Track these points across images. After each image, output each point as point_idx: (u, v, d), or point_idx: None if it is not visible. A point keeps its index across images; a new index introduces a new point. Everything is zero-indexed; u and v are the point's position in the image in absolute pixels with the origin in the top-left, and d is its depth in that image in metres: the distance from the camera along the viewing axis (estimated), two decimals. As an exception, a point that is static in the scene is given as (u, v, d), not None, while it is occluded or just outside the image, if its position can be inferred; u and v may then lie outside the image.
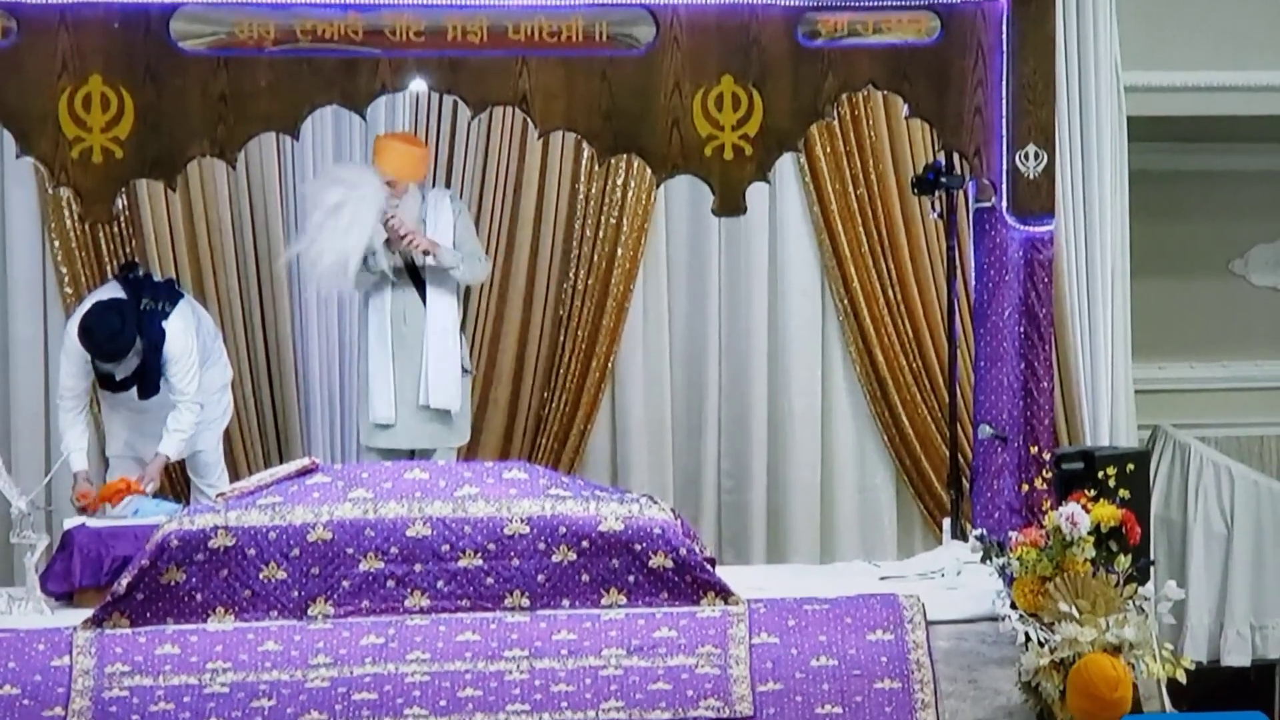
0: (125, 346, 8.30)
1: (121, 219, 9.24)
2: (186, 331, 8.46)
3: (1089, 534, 7.34)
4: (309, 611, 7.38)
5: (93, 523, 7.93)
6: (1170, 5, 10.31)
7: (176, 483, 9.15)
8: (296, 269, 9.40)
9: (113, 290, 8.54)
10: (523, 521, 7.45)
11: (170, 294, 8.59)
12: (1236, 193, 11.25)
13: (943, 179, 8.48)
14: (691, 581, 7.47)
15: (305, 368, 9.50)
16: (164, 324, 8.41)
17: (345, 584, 7.39)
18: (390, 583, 7.41)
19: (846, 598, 7.55)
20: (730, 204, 7.95)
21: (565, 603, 7.44)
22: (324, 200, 8.64)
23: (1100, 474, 7.67)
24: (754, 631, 7.38)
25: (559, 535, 7.45)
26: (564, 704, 7.17)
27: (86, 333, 8.28)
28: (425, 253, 8.70)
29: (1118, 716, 6.82)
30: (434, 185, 9.17)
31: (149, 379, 8.43)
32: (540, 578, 7.44)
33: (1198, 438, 10.68)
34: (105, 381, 8.50)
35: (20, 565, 7.77)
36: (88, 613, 7.40)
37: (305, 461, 7.93)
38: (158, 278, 8.87)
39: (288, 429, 9.52)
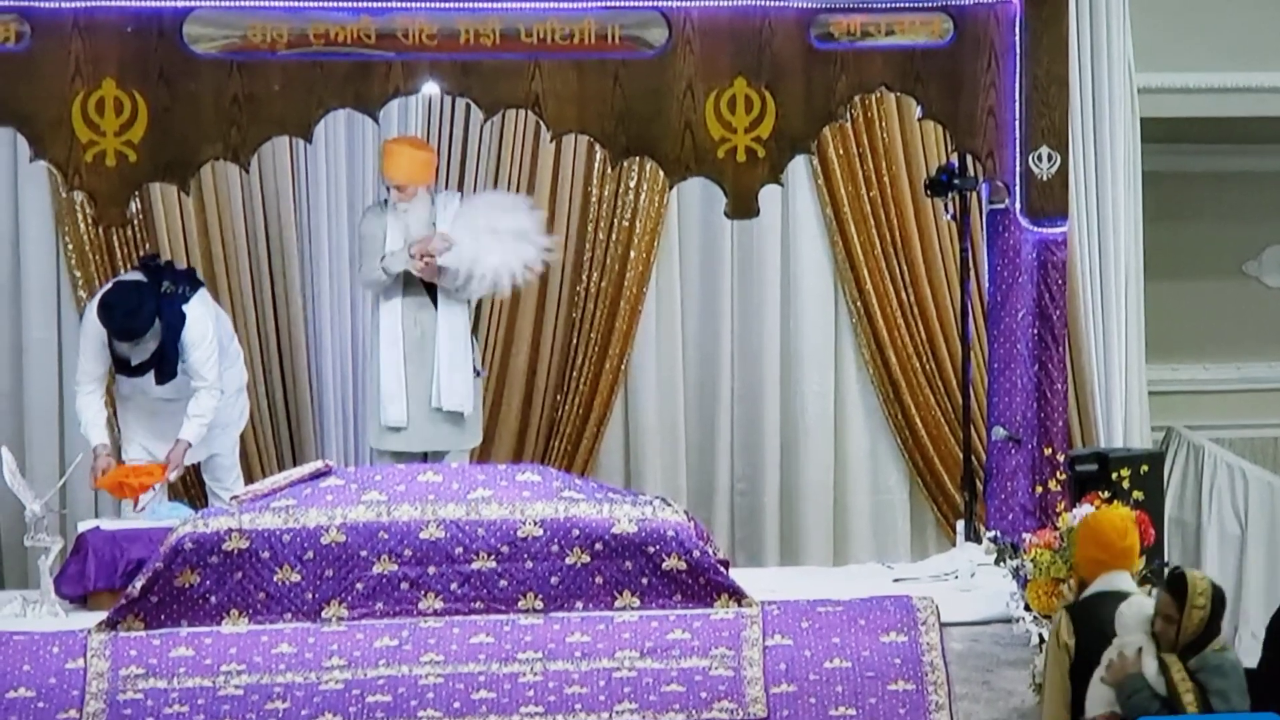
0: (144, 325, 8.29)
1: (135, 222, 9.25)
2: (206, 317, 8.46)
3: (1103, 535, 7.33)
4: (323, 614, 7.39)
5: (107, 525, 7.94)
6: (1183, 7, 10.30)
7: (191, 486, 9.16)
8: (310, 267, 9.42)
9: (135, 276, 8.55)
10: (536, 524, 7.46)
11: (191, 281, 8.59)
12: (1250, 194, 11.24)
13: (956, 181, 8.48)
14: (705, 584, 7.48)
15: (319, 370, 9.51)
16: (184, 308, 8.41)
17: (359, 586, 7.40)
18: (404, 585, 7.42)
19: (860, 600, 7.56)
20: (743, 206, 7.95)
21: (579, 605, 7.45)
22: (496, 219, 8.67)
23: (1114, 475, 7.68)
24: (768, 633, 7.38)
25: (572, 538, 7.46)
26: (577, 706, 7.17)
27: (106, 309, 8.27)
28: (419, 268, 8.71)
29: (1129, 566, 6.84)
30: (445, 188, 9.18)
31: (167, 362, 8.42)
32: (554, 580, 7.45)
33: (1211, 439, 10.67)
34: (122, 366, 8.50)
35: (35, 568, 7.78)
36: (102, 615, 7.42)
37: (319, 464, 7.95)
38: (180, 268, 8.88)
39: (301, 432, 9.52)
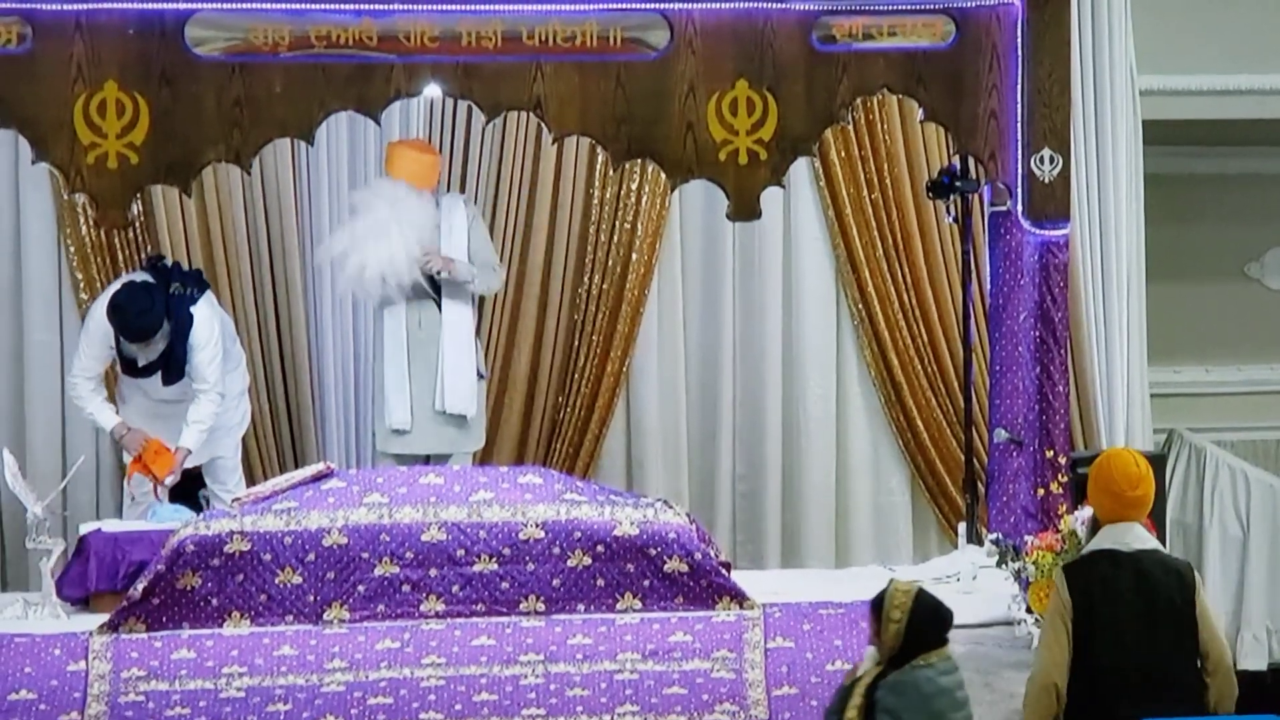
0: (154, 326, 8.30)
1: (137, 224, 9.25)
2: (213, 320, 8.48)
3: (1104, 538, 7.32)
4: (324, 616, 7.39)
5: (108, 528, 7.94)
6: (1185, 9, 10.30)
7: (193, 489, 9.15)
8: (312, 269, 9.41)
9: (143, 277, 8.56)
10: (538, 526, 7.46)
11: (199, 282, 8.60)
12: (1252, 196, 11.23)
13: (958, 183, 8.49)
14: (707, 586, 7.48)
15: (320, 373, 9.51)
16: (191, 309, 8.42)
17: (361, 589, 7.40)
18: (405, 587, 7.42)
19: (862, 602, 7.51)
20: (745, 208, 7.94)
21: (580, 607, 7.45)
22: (371, 213, 8.64)
23: (1116, 478, 7.65)
24: (769, 636, 7.38)
25: (574, 540, 7.46)
26: (579, 708, 7.17)
27: (117, 309, 8.28)
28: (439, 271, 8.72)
29: (1139, 516, 6.69)
30: (447, 190, 9.18)
31: (174, 363, 8.43)
32: (555, 582, 7.45)
33: (1213, 441, 10.67)
34: (128, 367, 8.50)
35: (36, 570, 7.78)
36: (104, 618, 7.42)
37: (320, 466, 7.95)
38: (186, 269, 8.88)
39: (303, 434, 9.52)
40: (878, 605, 6.31)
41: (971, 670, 7.37)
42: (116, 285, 8.50)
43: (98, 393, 8.54)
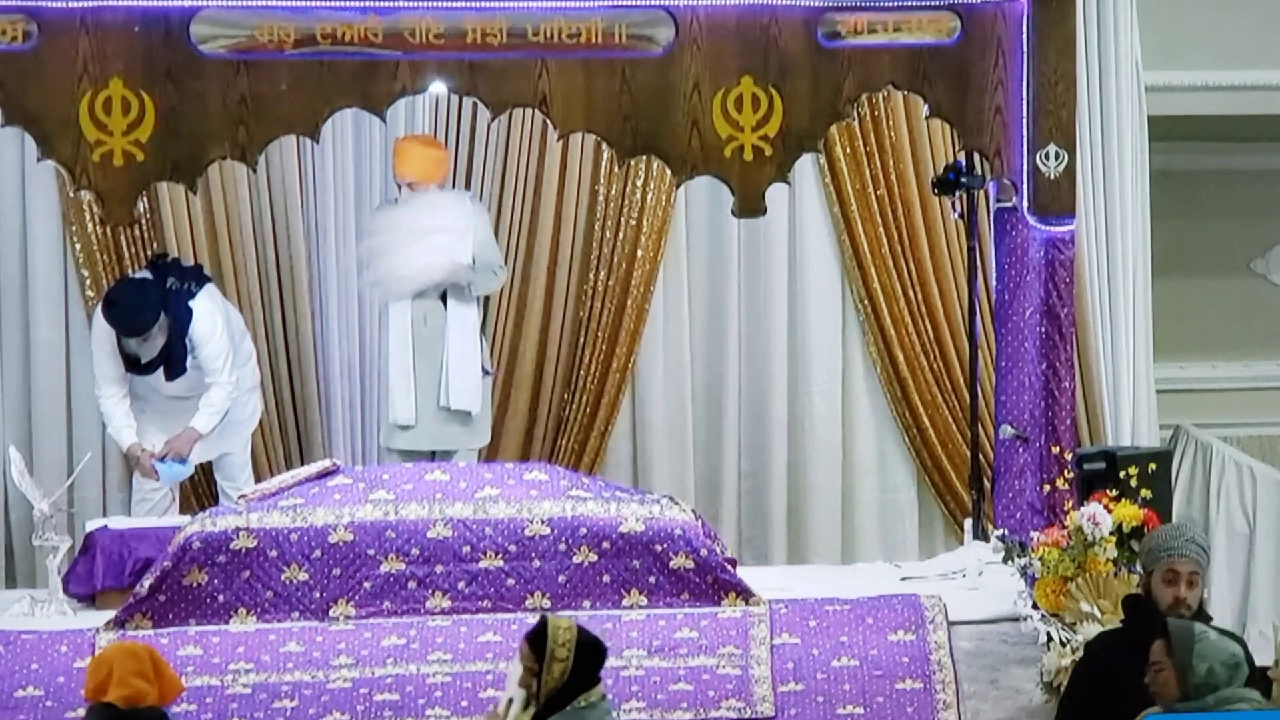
0: (149, 320, 8.32)
1: (142, 222, 9.26)
2: (214, 313, 8.49)
3: (1111, 534, 7.35)
4: (330, 613, 7.40)
5: (115, 524, 7.96)
6: (1191, 5, 10.29)
7: (199, 484, 9.16)
8: (318, 266, 9.42)
9: (141, 274, 8.59)
10: (543, 523, 7.47)
11: (198, 276, 8.62)
12: (1258, 192, 11.22)
13: (963, 179, 8.48)
14: (712, 582, 7.48)
15: (326, 369, 9.51)
16: (190, 303, 8.43)
17: (366, 585, 7.41)
18: (411, 584, 7.43)
19: (868, 598, 7.56)
20: (750, 205, 7.95)
21: (586, 604, 7.45)
22: (419, 220, 8.67)
23: (1122, 474, 7.67)
24: (775, 632, 7.38)
25: (580, 536, 7.47)
26: (585, 704, 7.17)
27: (110, 305, 8.31)
28: None
29: None
30: (453, 187, 9.18)
31: (175, 359, 8.45)
32: (561, 579, 7.46)
33: (1219, 437, 10.65)
34: (132, 365, 8.52)
35: (43, 567, 7.80)
36: (110, 614, 7.44)
37: (326, 463, 7.96)
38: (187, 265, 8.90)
39: (309, 430, 9.52)
40: (539, 642, 6.07)
41: (978, 667, 7.40)
42: (115, 284, 8.53)
43: (122, 402, 8.57)
